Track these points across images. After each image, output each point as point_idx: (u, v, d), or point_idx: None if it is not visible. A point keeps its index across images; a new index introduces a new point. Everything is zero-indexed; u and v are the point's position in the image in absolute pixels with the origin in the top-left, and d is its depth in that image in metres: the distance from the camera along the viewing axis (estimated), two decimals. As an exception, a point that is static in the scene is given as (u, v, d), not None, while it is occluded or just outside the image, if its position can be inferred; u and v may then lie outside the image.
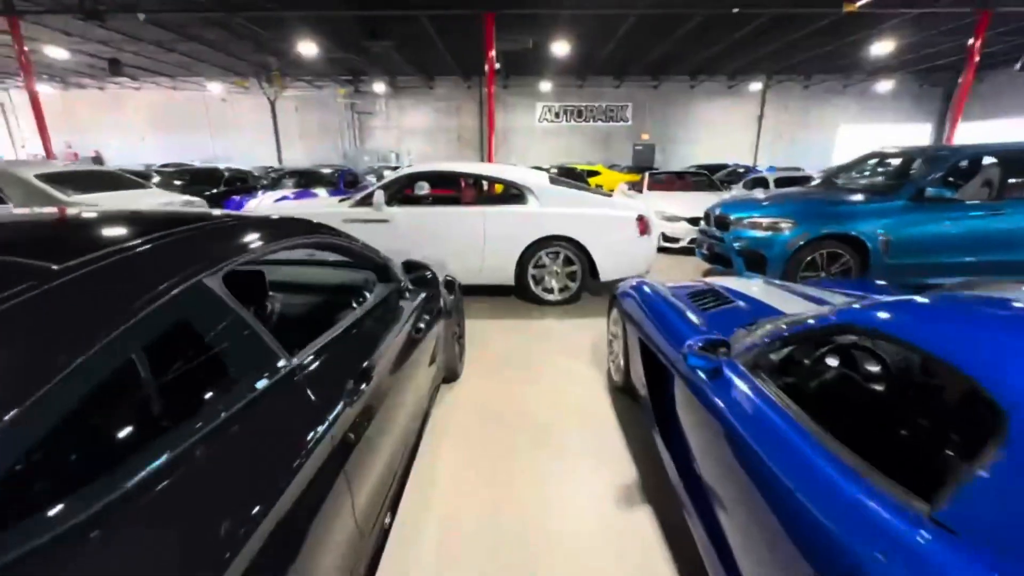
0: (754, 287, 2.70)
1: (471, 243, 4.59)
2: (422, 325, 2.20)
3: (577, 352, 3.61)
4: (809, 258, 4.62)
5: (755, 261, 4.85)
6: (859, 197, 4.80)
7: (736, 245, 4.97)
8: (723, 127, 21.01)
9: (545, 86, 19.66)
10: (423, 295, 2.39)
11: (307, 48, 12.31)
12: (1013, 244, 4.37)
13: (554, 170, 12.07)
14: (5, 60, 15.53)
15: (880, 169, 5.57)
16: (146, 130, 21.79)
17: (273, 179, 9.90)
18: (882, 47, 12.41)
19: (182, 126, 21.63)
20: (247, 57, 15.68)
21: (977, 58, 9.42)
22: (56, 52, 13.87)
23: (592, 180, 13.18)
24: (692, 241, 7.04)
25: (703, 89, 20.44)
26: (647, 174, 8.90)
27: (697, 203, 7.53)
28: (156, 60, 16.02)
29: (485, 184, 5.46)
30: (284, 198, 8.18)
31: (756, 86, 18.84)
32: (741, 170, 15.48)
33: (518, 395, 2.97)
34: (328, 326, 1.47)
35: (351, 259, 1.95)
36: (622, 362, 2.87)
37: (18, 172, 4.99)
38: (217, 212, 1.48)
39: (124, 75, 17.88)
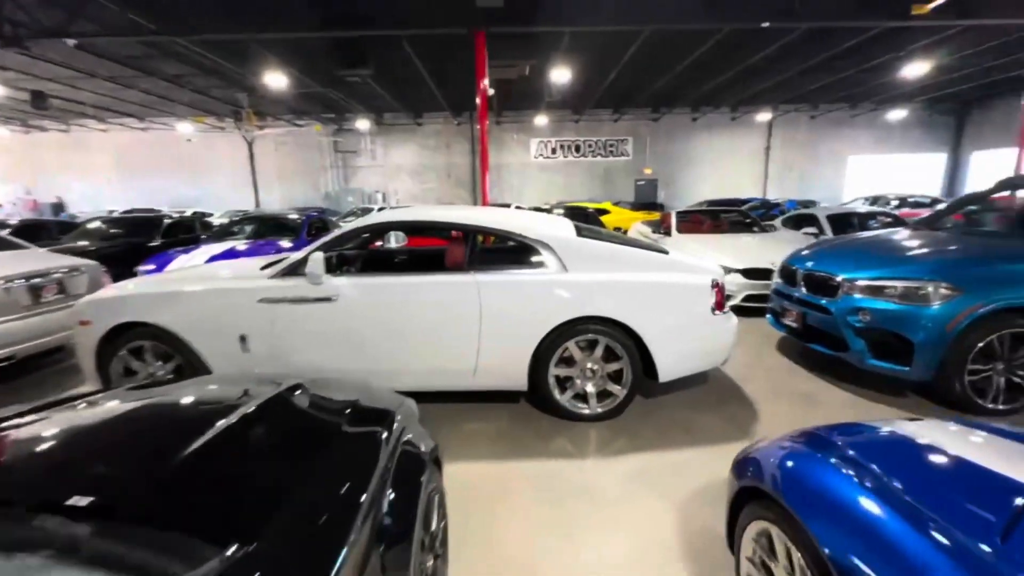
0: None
1: (459, 331, 2.94)
2: None
3: (656, 546, 1.88)
4: (982, 344, 3.00)
5: (889, 346, 3.22)
6: (1035, 248, 3.23)
7: (855, 321, 3.34)
8: (729, 160, 19.98)
9: (540, 120, 18.61)
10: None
11: (276, 80, 11.01)
12: None
13: (559, 210, 10.59)
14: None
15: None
16: (112, 173, 20.36)
17: (223, 228, 8.28)
18: (911, 69, 11.35)
19: (152, 168, 20.24)
20: (216, 94, 14.44)
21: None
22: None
23: (604, 220, 11.67)
24: (747, 299, 5.46)
25: (705, 121, 19.51)
26: (674, 213, 7.39)
27: (746, 249, 6.00)
28: (117, 99, 14.73)
29: (480, 238, 3.90)
30: (229, 253, 6.58)
31: (761, 117, 17.90)
32: (755, 203, 14.22)
33: None
34: None
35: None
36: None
37: None
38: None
39: (88, 116, 16.63)
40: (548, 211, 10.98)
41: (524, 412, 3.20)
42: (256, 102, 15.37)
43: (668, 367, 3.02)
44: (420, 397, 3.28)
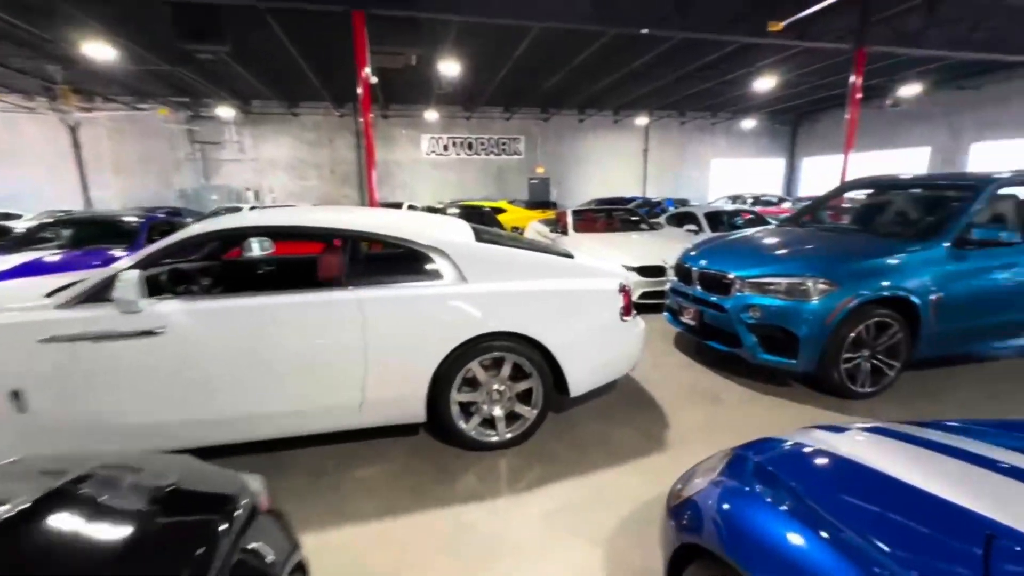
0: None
1: (338, 360, 2.41)
2: None
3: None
4: (853, 334, 3.23)
5: (778, 341, 3.36)
6: (885, 244, 3.59)
7: (747, 318, 3.44)
8: (612, 160, 21.17)
9: (431, 115, 17.96)
10: None
11: (99, 51, 8.99)
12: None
13: (454, 210, 10.16)
14: None
15: (877, 204, 4.56)
16: None
17: (27, 233, 6.47)
18: (760, 84, 12.88)
19: (-73, 158, 15.70)
20: (17, 65, 11.53)
21: (859, 95, 9.70)
22: None
23: (501, 219, 11.45)
24: (643, 296, 5.57)
25: (591, 123, 20.43)
26: (570, 212, 7.40)
27: (639, 247, 6.15)
28: None
29: (365, 246, 3.35)
30: (28, 267, 5.10)
31: (640, 121, 19.23)
32: (639, 202, 15.19)
33: None
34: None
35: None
36: None
37: None
38: None
39: None
40: (442, 211, 10.48)
41: (425, 445, 2.76)
42: (78, 78, 12.60)
43: (580, 381, 2.79)
44: (295, 441, 2.72)
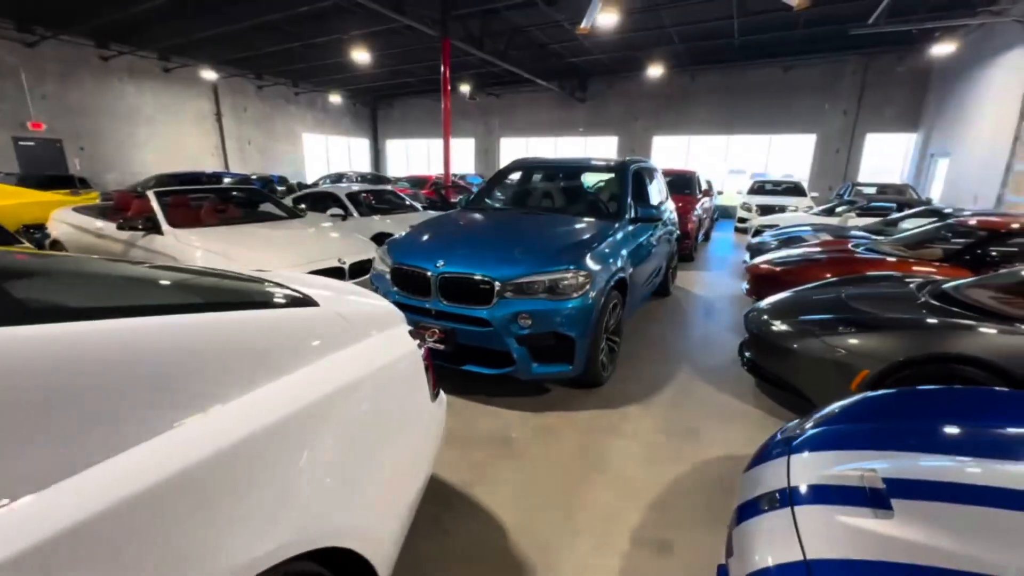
0: None
1: None
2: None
3: None
4: (603, 321, 3.08)
5: (550, 348, 2.83)
6: (591, 225, 3.65)
7: (517, 328, 2.74)
8: (172, 126, 15.96)
9: None
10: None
11: None
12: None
13: None
14: None
15: (536, 185, 4.65)
16: None
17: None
18: (354, 55, 12.24)
19: None
20: None
21: (449, 86, 10.58)
22: None
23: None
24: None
25: (126, 67, 14.47)
26: (151, 193, 4.52)
27: (296, 245, 4.41)
28: None
29: None
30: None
31: (206, 75, 14.98)
32: (229, 180, 12.00)
33: None
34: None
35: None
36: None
37: None
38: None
39: None
40: None
41: None
42: None
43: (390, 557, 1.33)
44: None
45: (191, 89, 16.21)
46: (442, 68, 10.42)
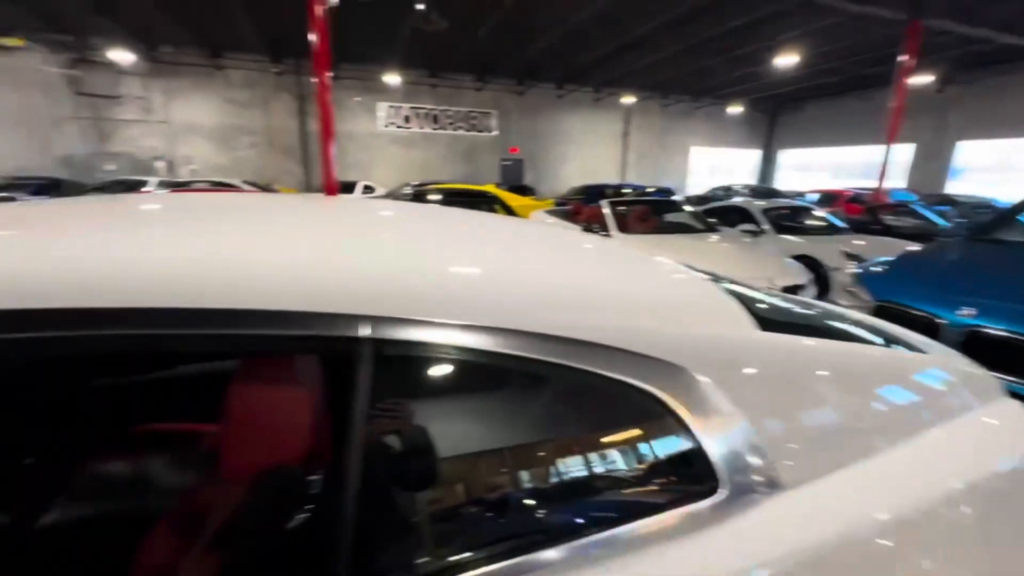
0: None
1: None
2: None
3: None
4: None
5: None
6: None
7: None
8: (591, 144, 19.45)
9: (391, 80, 15.28)
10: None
11: None
12: None
13: (436, 195, 7.95)
14: None
15: None
16: None
17: None
18: (780, 61, 11.49)
19: None
20: None
21: (907, 79, 8.45)
22: None
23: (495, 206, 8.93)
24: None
25: (571, 100, 18.53)
26: (606, 204, 5.51)
27: (731, 262, 4.43)
28: None
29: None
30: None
31: (624, 100, 17.53)
32: (628, 191, 13.55)
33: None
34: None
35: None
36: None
37: None
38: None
39: None
40: (417, 197, 8.26)
41: None
42: None
43: None
44: None
45: (610, 113, 19.20)
46: (900, 56, 8.37)
